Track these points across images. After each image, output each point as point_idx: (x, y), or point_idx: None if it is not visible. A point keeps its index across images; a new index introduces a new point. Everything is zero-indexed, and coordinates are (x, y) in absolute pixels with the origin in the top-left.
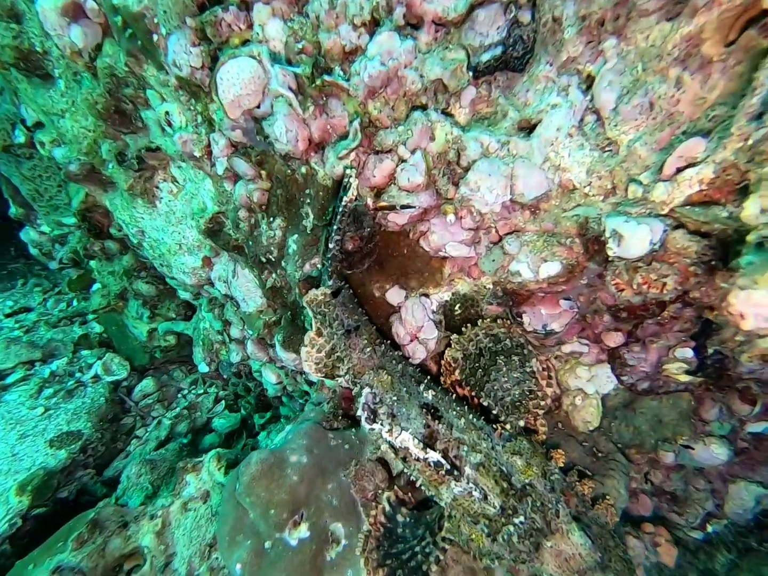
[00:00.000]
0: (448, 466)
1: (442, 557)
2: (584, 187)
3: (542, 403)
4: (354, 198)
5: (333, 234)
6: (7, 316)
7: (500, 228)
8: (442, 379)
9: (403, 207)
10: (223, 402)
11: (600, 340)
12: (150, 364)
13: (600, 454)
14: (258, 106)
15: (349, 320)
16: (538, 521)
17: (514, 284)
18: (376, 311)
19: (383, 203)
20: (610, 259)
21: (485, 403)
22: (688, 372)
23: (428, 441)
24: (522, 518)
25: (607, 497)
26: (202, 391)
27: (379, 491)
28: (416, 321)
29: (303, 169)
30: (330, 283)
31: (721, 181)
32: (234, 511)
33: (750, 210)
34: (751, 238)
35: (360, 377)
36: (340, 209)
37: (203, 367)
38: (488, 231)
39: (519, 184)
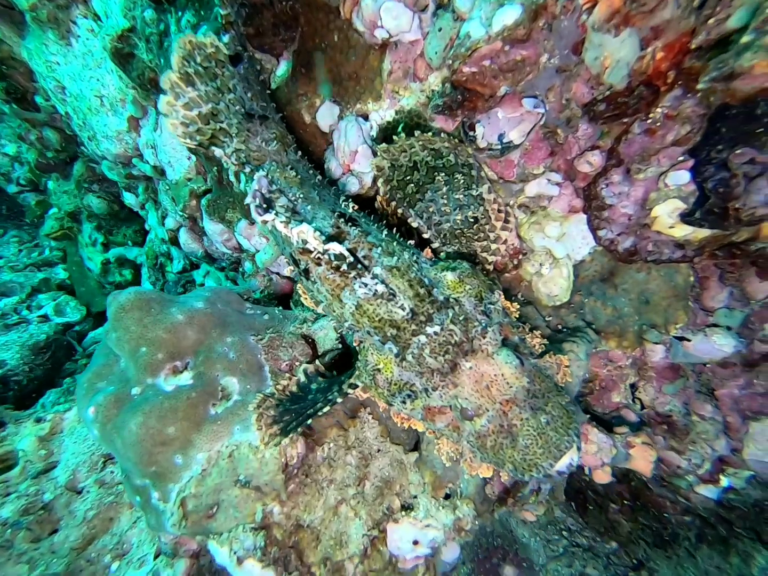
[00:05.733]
0: (351, 259)
1: (341, 400)
2: None
3: (493, 246)
4: None
5: None
6: None
7: None
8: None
9: None
10: None
11: (574, 174)
12: None
13: (565, 330)
14: None
15: (253, 104)
16: (457, 334)
17: (463, 59)
18: (308, 145)
19: None
20: None
21: (414, 224)
22: (683, 217)
23: (334, 239)
24: (437, 328)
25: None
26: None
27: (297, 363)
28: (350, 145)
29: None
30: (225, 39)
31: None
32: (102, 358)
33: None
34: None
35: (255, 163)
36: None
37: (148, 287)
38: None
39: None
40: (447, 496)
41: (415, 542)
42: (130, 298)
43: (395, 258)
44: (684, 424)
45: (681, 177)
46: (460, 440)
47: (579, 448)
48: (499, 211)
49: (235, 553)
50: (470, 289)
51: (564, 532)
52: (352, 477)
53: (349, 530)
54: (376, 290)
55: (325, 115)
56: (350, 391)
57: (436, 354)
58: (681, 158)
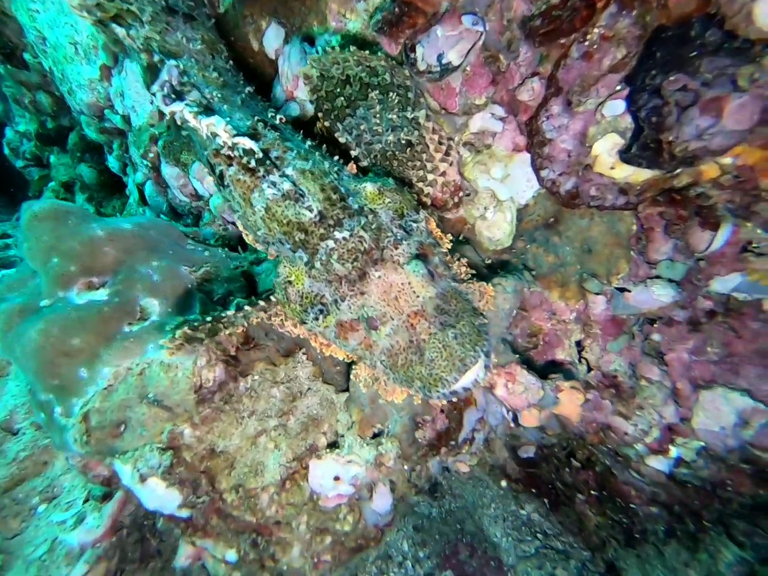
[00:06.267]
0: (261, 155)
1: (249, 308)
2: None
3: (430, 176)
4: None
5: None
6: None
7: None
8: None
9: None
10: None
11: (517, 108)
12: None
13: (501, 272)
14: None
15: (178, 1)
16: (366, 241)
17: None
18: (258, 76)
19: None
20: None
21: (342, 140)
22: (621, 154)
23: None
24: (346, 234)
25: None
26: None
27: (231, 298)
28: (292, 70)
29: None
30: None
31: None
32: (19, 273)
33: None
34: None
35: (168, 55)
36: None
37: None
38: None
39: None
40: (374, 436)
41: (336, 478)
42: (44, 206)
43: (310, 162)
44: (630, 387)
45: (617, 107)
46: (374, 362)
47: (487, 367)
48: (440, 143)
49: (138, 470)
50: (390, 202)
51: (539, 535)
52: (275, 409)
53: (267, 460)
54: (283, 189)
55: (271, 39)
56: (261, 302)
57: (344, 260)
58: (618, 87)
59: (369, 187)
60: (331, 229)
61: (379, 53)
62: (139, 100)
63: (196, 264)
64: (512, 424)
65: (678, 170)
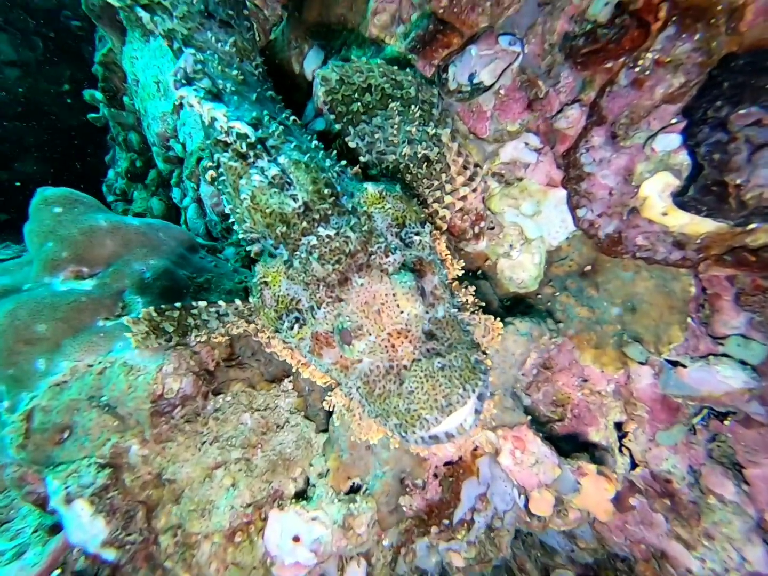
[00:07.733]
0: (253, 139)
1: (222, 304)
2: None
3: (447, 198)
4: None
5: None
6: None
7: None
8: None
9: None
10: None
11: (554, 138)
12: None
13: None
14: None
15: (219, 8)
16: (352, 242)
17: None
18: (295, 96)
19: None
20: None
21: (352, 144)
22: (675, 199)
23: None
24: (332, 231)
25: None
26: None
27: None
28: None
29: None
30: None
31: None
32: (19, 258)
33: None
34: None
35: (191, 41)
36: None
37: None
38: None
39: None
40: (351, 490)
41: (296, 539)
42: (57, 193)
43: (307, 156)
44: (691, 501)
45: (670, 141)
46: (350, 388)
47: (478, 412)
48: (465, 167)
49: (66, 488)
50: (390, 209)
51: None
52: (241, 439)
53: (219, 500)
54: (271, 176)
55: (311, 61)
56: (237, 301)
57: (325, 261)
58: (674, 120)
59: (370, 189)
60: (315, 225)
61: (408, 69)
62: (196, 127)
63: (199, 272)
64: (527, 518)
65: (752, 225)
